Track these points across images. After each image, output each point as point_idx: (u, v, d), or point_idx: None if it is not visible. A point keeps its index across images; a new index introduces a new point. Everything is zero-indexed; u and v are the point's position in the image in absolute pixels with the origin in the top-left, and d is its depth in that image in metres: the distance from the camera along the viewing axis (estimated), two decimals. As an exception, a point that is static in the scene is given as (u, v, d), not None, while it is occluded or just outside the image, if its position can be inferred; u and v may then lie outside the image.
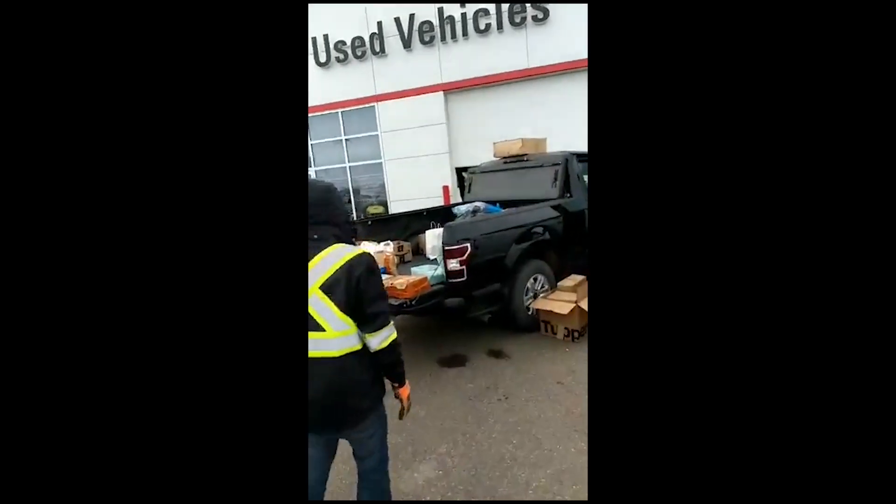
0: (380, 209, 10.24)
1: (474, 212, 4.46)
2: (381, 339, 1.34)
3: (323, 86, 9.32)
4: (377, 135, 9.46)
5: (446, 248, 3.12)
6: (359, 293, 1.28)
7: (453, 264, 3.12)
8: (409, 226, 4.69)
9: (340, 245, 1.34)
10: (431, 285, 3.19)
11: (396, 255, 4.17)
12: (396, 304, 2.93)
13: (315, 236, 1.31)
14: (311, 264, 1.27)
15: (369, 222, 4.37)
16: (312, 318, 1.26)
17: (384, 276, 3.28)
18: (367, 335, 1.32)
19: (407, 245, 4.35)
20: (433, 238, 4.27)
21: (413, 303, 2.98)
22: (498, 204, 4.56)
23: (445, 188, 8.83)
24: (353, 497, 1.62)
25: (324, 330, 1.27)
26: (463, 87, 8.64)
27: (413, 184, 9.26)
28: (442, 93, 8.74)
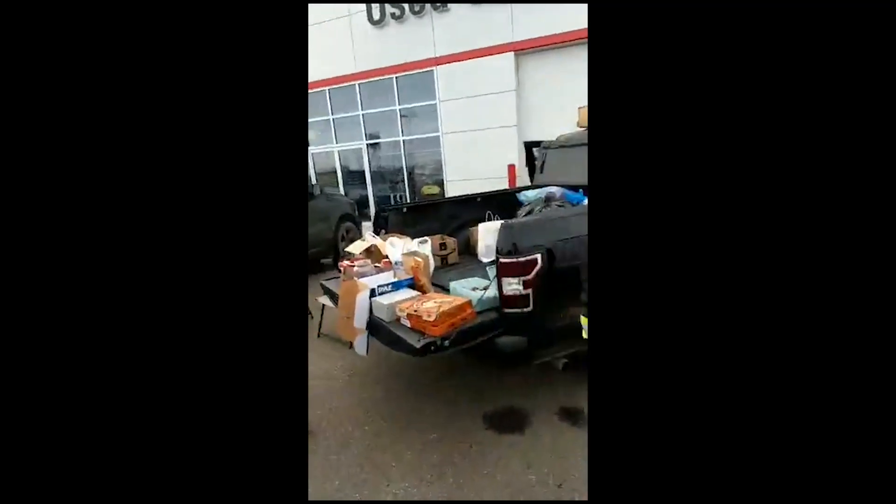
0: (436, 190, 9.22)
1: (548, 200, 3.27)
2: None
3: (377, 48, 8.33)
4: (435, 104, 8.36)
5: (502, 260, 2.00)
6: None
7: (513, 286, 2.00)
8: (457, 215, 3.58)
9: None
10: (478, 312, 2.10)
11: (438, 257, 3.11)
12: (419, 343, 1.87)
13: None
14: None
15: (404, 209, 3.33)
16: None
17: (403, 294, 2.23)
18: None
19: (452, 241, 3.27)
20: (488, 234, 3.15)
21: (446, 343, 1.91)
22: (581, 190, 3.33)
23: (511, 167, 7.59)
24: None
25: None
26: (538, 46, 7.24)
27: (474, 162, 8.10)
28: (513, 54, 7.41)
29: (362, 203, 9.55)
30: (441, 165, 8.74)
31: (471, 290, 2.31)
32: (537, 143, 4.79)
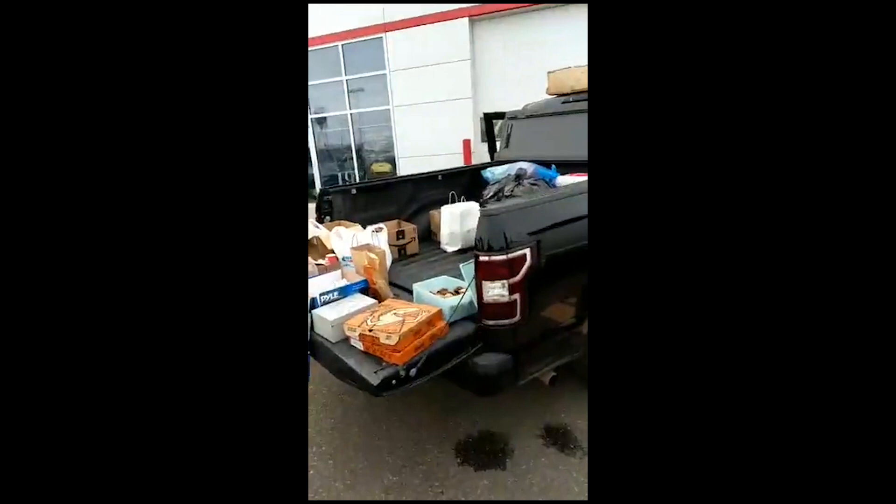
0: (387, 167, 8.60)
1: (518, 177, 2.83)
2: None
3: (320, 12, 7.46)
4: (385, 74, 7.67)
5: (483, 258, 1.54)
6: None
7: (496, 291, 1.55)
8: (414, 197, 3.08)
9: None
10: (450, 323, 1.65)
11: (394, 247, 2.61)
12: (377, 378, 1.39)
13: None
14: None
15: (352, 191, 2.78)
16: None
17: (354, 302, 1.74)
18: None
19: (411, 228, 2.77)
20: (452, 219, 2.69)
21: (412, 372, 1.45)
22: (554, 166, 2.92)
23: (466, 143, 7.12)
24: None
25: None
26: (493, 12, 6.72)
27: (427, 137, 7.55)
28: (467, 19, 6.84)
29: (308, 184, 8.76)
30: (392, 141, 8.11)
31: (438, 293, 1.85)
32: (499, 115, 4.34)
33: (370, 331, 1.49)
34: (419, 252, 2.76)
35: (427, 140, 7.53)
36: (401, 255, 2.67)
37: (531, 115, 3.31)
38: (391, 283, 2.10)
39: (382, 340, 1.46)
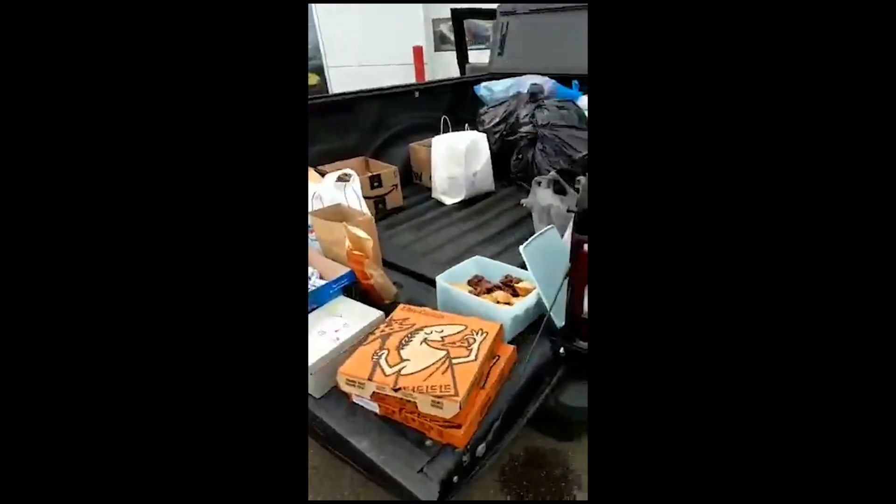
0: (314, 79, 7.22)
1: (533, 97, 2.10)
2: None
3: None
4: (306, -44, 6.07)
5: (589, 245, 0.88)
6: None
7: (605, 298, 0.92)
8: (384, 121, 2.25)
9: None
10: (510, 342, 1.02)
11: (368, 200, 1.83)
12: (433, 484, 0.75)
13: None
14: None
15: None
16: None
17: (342, 322, 1.02)
18: None
19: (390, 171, 1.98)
20: (452, 157, 1.94)
21: (479, 451, 0.82)
22: (577, 83, 2.21)
23: (417, 50, 6.00)
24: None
25: None
26: None
27: (364, 42, 6.28)
28: None
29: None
30: (318, 47, 6.70)
31: (470, 286, 1.19)
32: (474, 12, 3.43)
33: (396, 389, 0.82)
34: (403, 205, 2.01)
35: (364, 47, 6.27)
36: (378, 210, 1.91)
37: (540, 8, 2.48)
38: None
39: (424, 409, 0.80)
